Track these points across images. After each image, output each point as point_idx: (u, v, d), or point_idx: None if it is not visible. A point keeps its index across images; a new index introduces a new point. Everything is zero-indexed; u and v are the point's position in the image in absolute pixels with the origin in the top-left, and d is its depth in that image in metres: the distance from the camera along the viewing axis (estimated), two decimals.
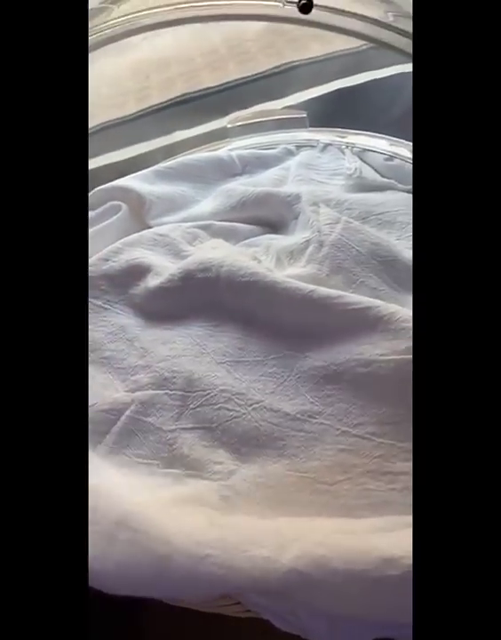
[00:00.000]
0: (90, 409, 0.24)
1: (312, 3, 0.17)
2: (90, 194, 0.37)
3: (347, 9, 0.17)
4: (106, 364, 0.27)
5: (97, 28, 0.20)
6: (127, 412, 0.24)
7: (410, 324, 0.22)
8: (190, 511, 0.20)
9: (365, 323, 0.23)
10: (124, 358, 0.27)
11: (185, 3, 0.18)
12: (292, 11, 0.17)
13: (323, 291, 0.24)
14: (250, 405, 0.24)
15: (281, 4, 0.17)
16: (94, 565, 0.17)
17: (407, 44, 0.17)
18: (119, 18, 0.19)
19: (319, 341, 0.24)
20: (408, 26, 0.17)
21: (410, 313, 0.23)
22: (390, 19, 0.17)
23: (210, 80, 0.49)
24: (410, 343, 0.21)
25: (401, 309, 0.23)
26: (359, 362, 0.22)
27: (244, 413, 0.24)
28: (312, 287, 0.24)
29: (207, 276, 0.27)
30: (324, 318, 0.24)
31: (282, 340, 0.25)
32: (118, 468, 0.23)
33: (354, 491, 0.20)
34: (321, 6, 0.17)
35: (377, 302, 0.23)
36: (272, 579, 0.17)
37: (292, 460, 0.22)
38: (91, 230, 0.35)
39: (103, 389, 0.26)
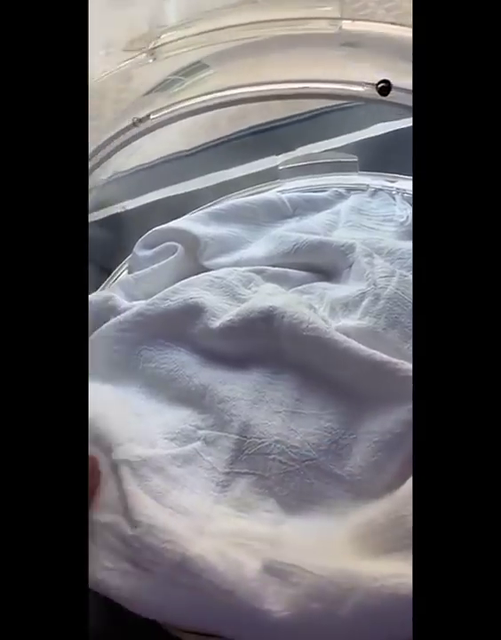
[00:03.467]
0: (158, 434, 0.26)
1: (390, 86, 0.18)
2: (147, 234, 0.39)
3: None
4: (171, 400, 0.28)
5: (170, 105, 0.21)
6: (192, 446, 0.26)
7: None
8: (243, 551, 0.21)
9: None
10: (186, 395, 0.28)
11: (271, 82, 0.19)
12: (371, 92, 0.18)
13: (384, 356, 0.24)
14: (304, 462, 0.24)
15: (361, 88, 0.18)
16: (157, 600, 0.19)
17: None
18: (198, 97, 0.20)
19: (376, 405, 0.24)
20: None
21: None
22: None
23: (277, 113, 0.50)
24: None
25: None
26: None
27: (298, 468, 0.24)
28: (371, 351, 0.24)
29: (269, 324, 0.27)
30: (383, 383, 0.24)
31: (339, 396, 0.25)
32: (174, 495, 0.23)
33: None
34: (397, 88, 0.18)
35: None
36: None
37: (340, 520, 0.23)
38: (148, 269, 0.37)
39: (169, 420, 0.27)
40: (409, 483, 0.21)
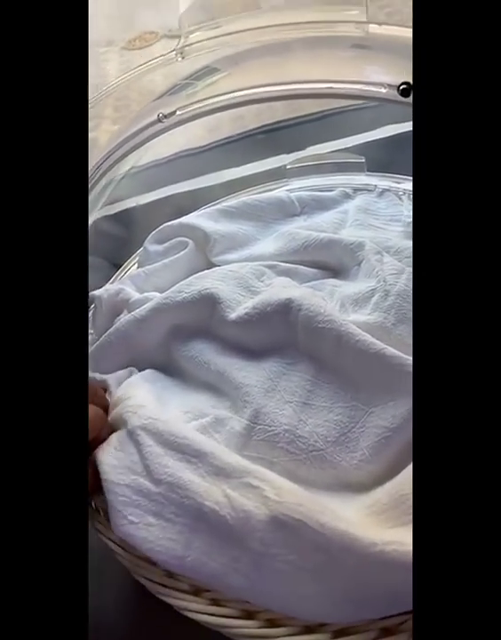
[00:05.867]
0: (173, 407, 0.27)
1: (411, 88, 0.19)
2: (158, 229, 0.39)
3: None
4: (190, 385, 0.29)
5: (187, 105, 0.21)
6: (202, 420, 0.27)
7: None
8: (253, 497, 0.22)
9: None
10: (205, 380, 0.29)
11: (292, 82, 0.20)
12: (393, 94, 0.19)
13: (394, 351, 0.25)
14: (311, 452, 0.25)
15: (384, 89, 0.19)
16: (179, 547, 0.22)
17: None
18: (223, 95, 0.21)
19: (385, 400, 0.25)
20: None
21: None
22: None
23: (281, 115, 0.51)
24: None
25: None
26: None
27: (304, 458, 0.25)
28: (382, 345, 0.25)
29: (286, 315, 0.28)
30: (392, 378, 0.25)
31: (350, 390, 0.26)
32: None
33: None
34: None
35: None
36: None
37: (347, 501, 0.23)
38: (159, 263, 0.37)
39: (182, 400, 0.28)
40: (409, 466, 0.22)
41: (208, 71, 0.27)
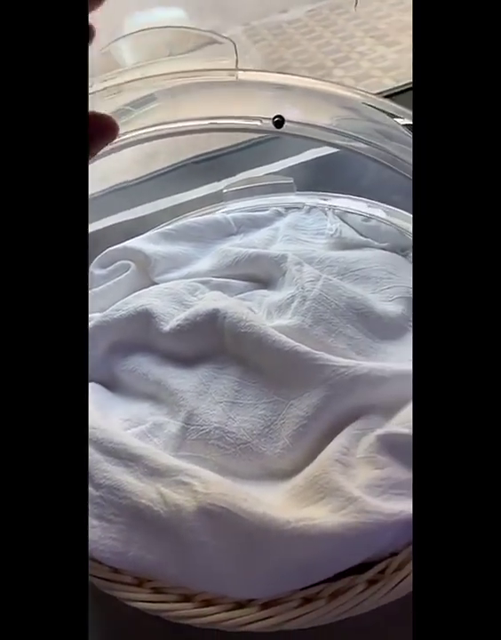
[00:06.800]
0: (115, 416, 0.29)
1: (283, 120, 0.22)
2: (101, 254, 0.42)
3: (305, 120, 0.22)
4: (131, 396, 0.31)
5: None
6: (141, 427, 0.29)
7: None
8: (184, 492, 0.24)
9: (342, 379, 0.27)
10: (141, 388, 0.32)
11: (180, 120, 0.23)
12: (268, 125, 0.22)
13: (305, 348, 0.28)
14: (238, 445, 0.27)
15: (259, 122, 0.22)
16: (119, 545, 0.24)
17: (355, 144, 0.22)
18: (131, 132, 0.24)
19: (300, 391, 0.28)
20: (349, 126, 0.21)
21: (383, 366, 0.27)
22: (334, 123, 0.22)
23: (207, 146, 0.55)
24: None
25: (375, 366, 0.27)
26: (332, 414, 0.27)
27: (234, 451, 0.27)
28: (295, 343, 0.28)
29: (213, 323, 0.31)
30: (305, 371, 0.28)
31: (272, 386, 0.29)
32: None
33: None
34: (289, 121, 0.22)
35: (352, 362, 0.27)
36: None
37: (270, 488, 0.26)
38: (103, 286, 0.40)
39: (123, 410, 0.31)
40: (323, 452, 0.25)
41: (147, 99, 0.30)
